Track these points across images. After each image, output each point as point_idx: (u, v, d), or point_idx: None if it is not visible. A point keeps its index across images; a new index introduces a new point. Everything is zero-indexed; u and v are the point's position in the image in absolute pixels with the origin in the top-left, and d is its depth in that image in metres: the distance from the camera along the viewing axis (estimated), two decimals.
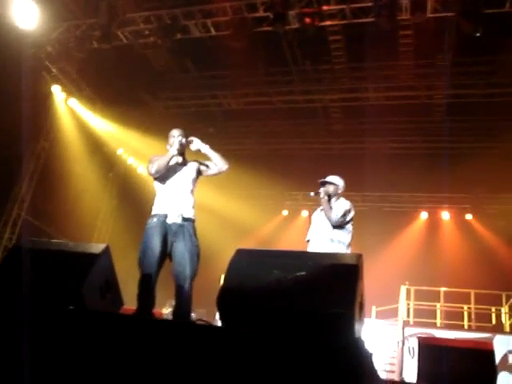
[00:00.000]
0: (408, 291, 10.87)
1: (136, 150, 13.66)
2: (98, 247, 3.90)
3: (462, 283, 11.12)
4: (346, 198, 5.55)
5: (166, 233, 4.29)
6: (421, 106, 11.62)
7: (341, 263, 3.17)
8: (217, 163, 4.57)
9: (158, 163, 4.42)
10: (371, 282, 11.75)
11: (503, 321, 10.73)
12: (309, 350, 2.77)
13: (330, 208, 5.29)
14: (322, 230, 5.31)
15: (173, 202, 4.40)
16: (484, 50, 10.52)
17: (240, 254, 3.44)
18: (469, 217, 14.15)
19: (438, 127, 12.06)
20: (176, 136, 4.57)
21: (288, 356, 2.71)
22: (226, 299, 3.20)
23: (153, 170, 4.44)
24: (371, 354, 3.10)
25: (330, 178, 5.51)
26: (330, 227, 5.25)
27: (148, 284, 4.20)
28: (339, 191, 5.51)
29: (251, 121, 13.47)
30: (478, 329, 10.69)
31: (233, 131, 14.02)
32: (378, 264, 12.89)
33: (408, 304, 10.89)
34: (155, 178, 4.52)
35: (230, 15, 9.67)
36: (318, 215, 5.53)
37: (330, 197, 5.43)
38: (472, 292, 10.72)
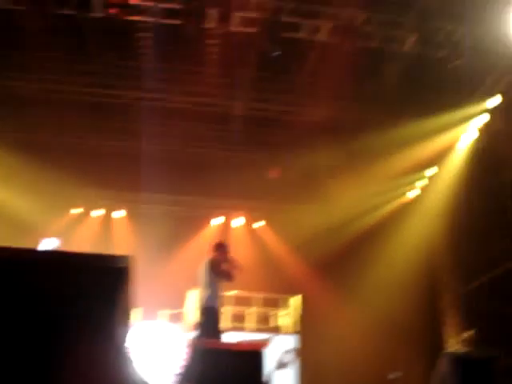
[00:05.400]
0: (196, 295, 11.03)
1: None
2: None
3: (248, 287, 11.71)
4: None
5: None
6: (221, 115, 11.99)
7: (106, 265, 2.99)
8: None
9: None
10: (162, 287, 11.79)
11: (282, 322, 11.57)
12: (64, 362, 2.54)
13: None
14: None
15: None
16: (282, 70, 11.29)
17: None
18: (258, 224, 14.99)
19: (236, 136, 12.52)
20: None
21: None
22: None
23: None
24: (132, 361, 2.97)
25: None
26: None
27: None
28: None
29: (46, 110, 12.39)
30: (260, 330, 11.38)
31: (25, 119, 12.75)
32: (171, 267, 12.95)
33: (196, 308, 11.05)
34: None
35: None
36: None
37: None
38: (256, 295, 11.35)
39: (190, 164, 12.47)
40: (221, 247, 6.88)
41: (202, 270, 6.67)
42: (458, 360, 5.16)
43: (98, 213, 14.10)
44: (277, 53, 9.72)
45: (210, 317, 6.37)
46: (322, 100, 11.50)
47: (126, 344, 3.00)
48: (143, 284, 12.11)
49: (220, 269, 6.55)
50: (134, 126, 12.62)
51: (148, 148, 12.68)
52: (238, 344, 5.80)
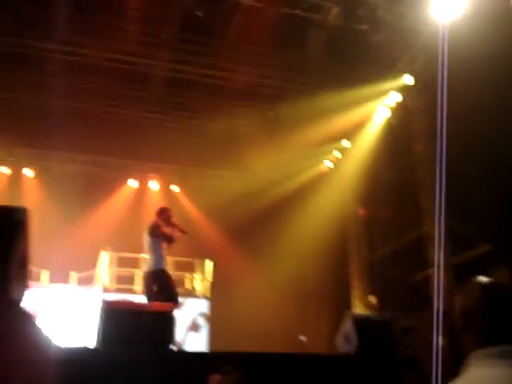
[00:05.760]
0: (110, 257, 10.86)
1: None
2: None
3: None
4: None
5: None
6: (140, 74, 11.60)
7: None
8: None
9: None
10: (73, 247, 11.40)
11: (195, 286, 11.64)
12: None
13: None
14: None
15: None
16: (206, 33, 11.07)
17: None
18: (175, 188, 14.86)
19: (155, 98, 12.24)
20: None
21: None
22: None
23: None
24: (32, 317, 2.86)
25: None
26: None
27: None
28: None
29: None
30: None
31: None
32: (83, 229, 12.58)
33: (109, 270, 10.89)
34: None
35: None
36: None
37: None
38: (170, 259, 11.29)
39: (106, 123, 12.02)
40: (163, 212, 6.85)
41: (145, 236, 6.60)
42: (359, 321, 5.47)
43: (5, 170, 13.31)
44: (201, 13, 9.50)
45: (160, 279, 6.30)
46: (244, 66, 11.43)
47: (24, 301, 2.88)
48: (54, 245, 11.74)
49: (159, 231, 6.49)
50: (47, 80, 11.92)
51: (62, 104, 12.06)
52: (150, 305, 5.77)
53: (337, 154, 14.00)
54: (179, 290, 11.68)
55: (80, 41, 10.75)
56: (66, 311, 10.47)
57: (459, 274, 9.35)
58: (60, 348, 4.32)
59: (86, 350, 4.92)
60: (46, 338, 3.30)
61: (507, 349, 1.33)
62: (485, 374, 1.31)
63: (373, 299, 12.40)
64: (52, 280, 11.55)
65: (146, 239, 6.66)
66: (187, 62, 11.24)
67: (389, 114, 11.84)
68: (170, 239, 6.60)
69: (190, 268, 11.72)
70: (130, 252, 11.24)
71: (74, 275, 11.60)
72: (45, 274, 11.48)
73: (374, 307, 12.07)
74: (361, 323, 5.44)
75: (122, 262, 11.26)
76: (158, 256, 6.55)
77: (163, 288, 6.36)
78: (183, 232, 6.83)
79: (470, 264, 9.65)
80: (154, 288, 6.37)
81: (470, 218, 9.43)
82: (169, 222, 6.78)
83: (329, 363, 5.01)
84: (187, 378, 4.29)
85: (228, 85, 11.88)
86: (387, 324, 5.34)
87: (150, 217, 13.69)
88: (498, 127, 7.95)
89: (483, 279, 1.50)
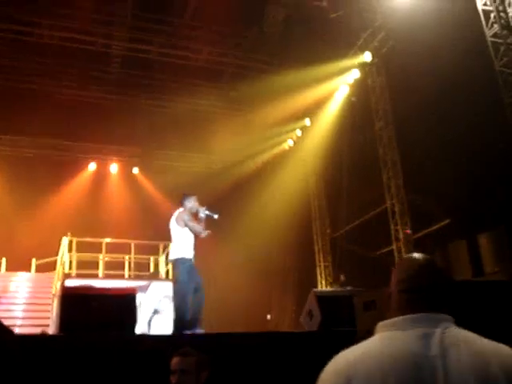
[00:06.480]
0: (70, 242, 10.63)
1: None
2: None
3: (125, 234, 11.47)
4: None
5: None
6: (97, 54, 11.27)
7: None
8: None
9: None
10: (33, 235, 11.03)
11: (160, 269, 11.54)
12: None
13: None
14: None
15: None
16: (164, 10, 10.81)
17: None
18: (135, 170, 14.64)
19: (112, 78, 11.95)
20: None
21: None
22: None
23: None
24: None
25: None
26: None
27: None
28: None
29: None
30: (137, 277, 11.26)
31: None
32: (42, 215, 12.30)
33: (70, 256, 10.67)
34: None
35: None
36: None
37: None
38: (132, 243, 11.16)
39: (64, 106, 11.67)
40: (188, 199, 6.14)
41: (171, 224, 5.95)
42: (322, 297, 5.55)
43: None
44: None
45: (184, 267, 5.68)
46: (203, 45, 11.26)
47: None
48: (13, 233, 11.39)
49: (185, 223, 5.83)
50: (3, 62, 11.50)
51: (17, 87, 11.65)
52: (109, 289, 5.68)
53: (300, 131, 14.01)
54: (146, 273, 11.67)
55: (33, 20, 10.31)
56: (25, 299, 10.26)
57: (421, 248, 9.55)
58: (19, 336, 4.21)
59: (46, 337, 4.83)
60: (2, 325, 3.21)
61: (406, 318, 1.33)
62: (380, 337, 1.32)
63: (342, 276, 12.55)
64: (12, 268, 11.28)
65: (172, 227, 6.01)
66: (145, 40, 10.99)
67: (349, 90, 11.87)
68: (199, 231, 5.91)
69: (155, 251, 11.58)
70: (91, 237, 11.05)
71: (35, 262, 11.37)
72: (3, 262, 11.22)
73: (340, 284, 12.23)
74: (323, 299, 5.51)
75: (84, 247, 11.05)
76: (183, 245, 5.92)
77: (183, 277, 5.82)
78: (211, 217, 6.10)
79: (430, 238, 9.86)
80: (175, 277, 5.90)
81: (430, 194, 9.61)
82: (195, 212, 6.11)
83: (291, 340, 5.06)
84: (150, 361, 4.25)
85: (188, 64, 11.67)
86: (349, 299, 5.41)
87: (110, 200, 13.63)
88: (460, 106, 8.06)
89: (413, 255, 1.49)
